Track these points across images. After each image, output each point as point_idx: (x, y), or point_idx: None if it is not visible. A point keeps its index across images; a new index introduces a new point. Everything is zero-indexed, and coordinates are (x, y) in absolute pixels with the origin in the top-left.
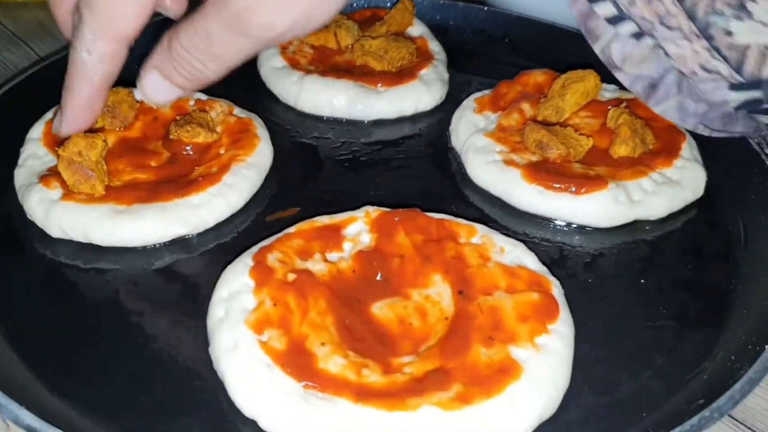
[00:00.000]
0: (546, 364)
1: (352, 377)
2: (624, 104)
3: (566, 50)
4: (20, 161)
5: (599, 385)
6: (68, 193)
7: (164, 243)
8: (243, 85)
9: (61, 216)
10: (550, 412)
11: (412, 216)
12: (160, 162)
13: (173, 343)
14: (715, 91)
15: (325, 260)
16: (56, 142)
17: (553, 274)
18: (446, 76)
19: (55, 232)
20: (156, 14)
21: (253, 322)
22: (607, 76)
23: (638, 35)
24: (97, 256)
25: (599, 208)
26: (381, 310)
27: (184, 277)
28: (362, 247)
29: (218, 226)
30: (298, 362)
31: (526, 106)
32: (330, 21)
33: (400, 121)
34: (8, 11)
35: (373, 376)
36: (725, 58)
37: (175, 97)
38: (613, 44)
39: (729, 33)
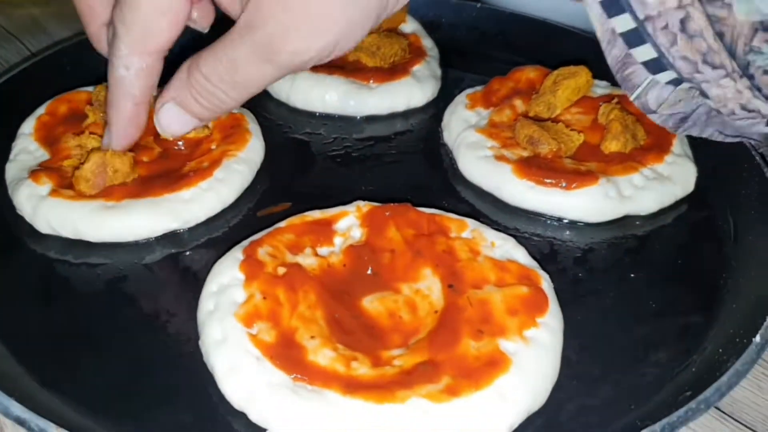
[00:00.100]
0: (534, 356)
1: (341, 370)
2: (615, 100)
3: (558, 47)
4: (11, 156)
5: (588, 378)
6: (56, 190)
7: (155, 237)
8: None
9: (49, 212)
10: (539, 405)
11: (402, 211)
12: (151, 157)
13: (163, 336)
14: (752, 127)
15: (316, 254)
16: (47, 138)
17: (544, 269)
18: (439, 72)
19: (43, 227)
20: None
21: (242, 315)
22: (598, 72)
23: (677, 82)
24: (88, 250)
25: (590, 204)
26: (371, 303)
27: (175, 272)
28: (353, 241)
29: (209, 221)
30: (287, 355)
31: (518, 102)
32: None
33: (393, 117)
34: (1, 8)
35: (362, 369)
36: (766, 98)
37: (192, 128)
38: (650, 92)
39: (767, 72)
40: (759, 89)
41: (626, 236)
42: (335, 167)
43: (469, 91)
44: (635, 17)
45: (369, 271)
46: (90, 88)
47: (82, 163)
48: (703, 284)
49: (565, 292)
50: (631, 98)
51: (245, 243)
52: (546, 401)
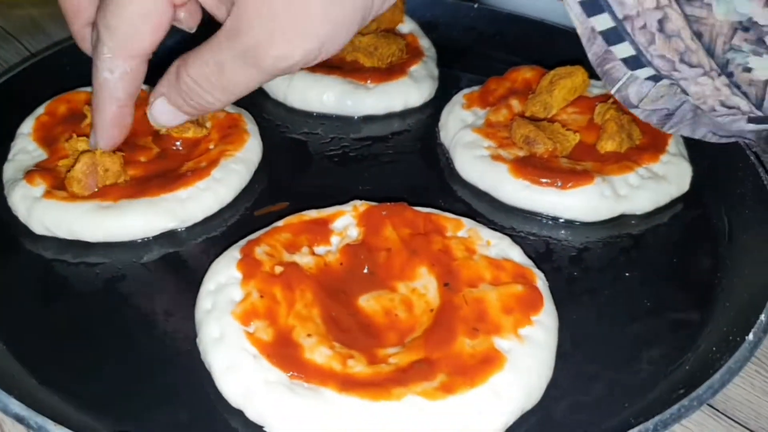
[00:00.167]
0: (529, 354)
1: (337, 367)
2: (611, 100)
3: (555, 47)
4: (10, 156)
5: (582, 376)
6: (50, 191)
7: (153, 237)
8: None
9: (43, 214)
10: (533, 403)
11: (399, 210)
12: (149, 157)
13: (161, 335)
14: (734, 123)
15: (313, 253)
16: (46, 138)
17: (539, 268)
18: (436, 72)
19: (38, 228)
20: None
21: (239, 314)
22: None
23: (656, 78)
24: (86, 250)
25: (585, 203)
26: (367, 302)
27: (173, 271)
28: (350, 240)
29: (207, 220)
30: (284, 353)
31: (514, 102)
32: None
33: (390, 117)
34: (0, 8)
35: (358, 367)
36: (745, 94)
37: (183, 122)
38: (630, 86)
39: (748, 69)
40: (738, 86)
41: (621, 235)
42: (332, 167)
43: (466, 91)
44: (614, 17)
45: (365, 270)
46: (89, 89)
47: (73, 165)
48: (698, 283)
49: (560, 290)
50: (612, 92)
51: (243, 242)
52: (540, 399)
